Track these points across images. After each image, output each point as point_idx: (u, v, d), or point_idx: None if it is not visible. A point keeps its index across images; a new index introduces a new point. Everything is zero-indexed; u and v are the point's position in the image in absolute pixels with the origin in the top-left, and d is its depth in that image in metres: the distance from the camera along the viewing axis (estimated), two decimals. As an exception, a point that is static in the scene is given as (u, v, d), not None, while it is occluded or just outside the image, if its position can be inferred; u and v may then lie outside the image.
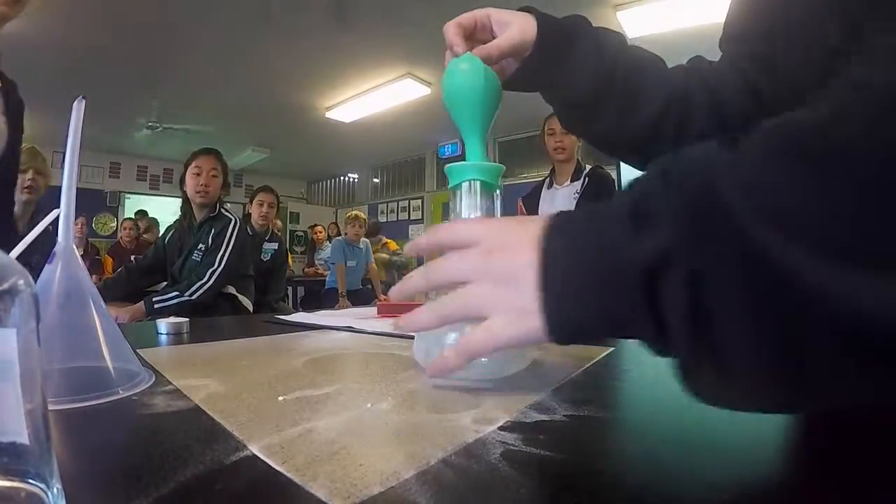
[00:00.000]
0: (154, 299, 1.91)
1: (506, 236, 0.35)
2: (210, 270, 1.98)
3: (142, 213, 5.78)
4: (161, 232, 4.28)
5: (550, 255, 0.31)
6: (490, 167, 0.48)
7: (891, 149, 0.19)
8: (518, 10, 0.56)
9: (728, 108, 0.56)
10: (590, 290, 0.29)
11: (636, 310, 0.26)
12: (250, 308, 2.23)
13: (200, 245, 2.05)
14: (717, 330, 0.23)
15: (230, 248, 2.03)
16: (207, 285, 1.97)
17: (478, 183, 0.48)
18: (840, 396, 0.23)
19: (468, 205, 0.47)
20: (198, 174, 2.05)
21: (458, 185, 0.48)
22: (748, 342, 0.23)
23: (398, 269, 4.98)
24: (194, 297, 1.95)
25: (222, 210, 2.14)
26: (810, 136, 0.22)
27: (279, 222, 5.46)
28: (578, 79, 0.56)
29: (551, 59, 0.56)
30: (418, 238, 0.40)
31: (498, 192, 0.49)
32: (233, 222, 2.09)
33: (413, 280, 0.39)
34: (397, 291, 0.40)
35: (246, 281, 2.24)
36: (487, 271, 0.34)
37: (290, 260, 4.01)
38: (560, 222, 0.32)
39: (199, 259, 2.03)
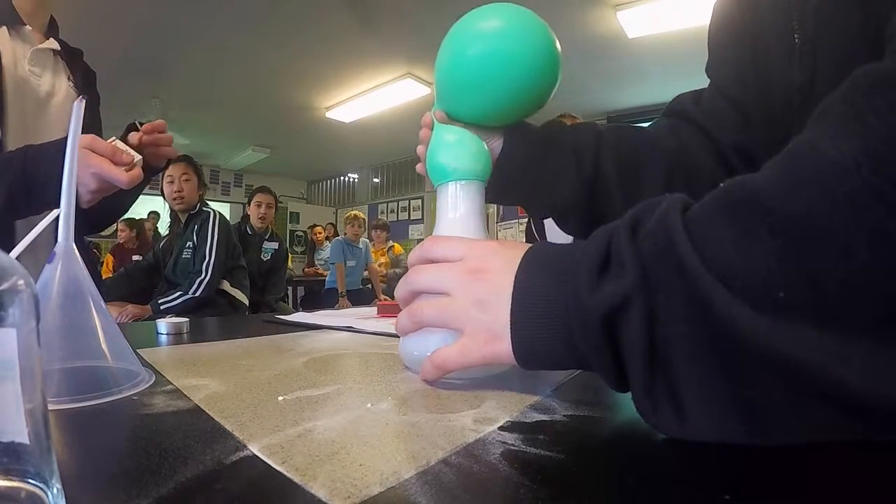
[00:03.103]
0: (159, 301, 2.01)
1: (487, 259, 0.37)
2: (204, 264, 2.08)
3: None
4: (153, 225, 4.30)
5: (524, 287, 0.33)
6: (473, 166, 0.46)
7: (821, 219, 0.21)
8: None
9: (727, 140, 0.55)
10: (556, 326, 0.31)
11: (597, 347, 0.28)
12: (245, 301, 2.29)
13: (188, 243, 2.14)
14: (670, 371, 0.25)
15: (216, 238, 2.12)
16: (207, 278, 2.06)
17: (460, 182, 0.46)
18: (792, 433, 0.24)
19: (453, 204, 0.47)
20: (171, 182, 2.15)
21: (444, 185, 0.47)
22: (698, 383, 0.25)
23: (393, 280, 4.95)
24: (198, 293, 2.04)
25: (202, 207, 2.23)
26: (754, 200, 0.23)
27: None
28: (560, 192, 0.56)
29: (523, 168, 0.56)
30: (411, 254, 0.43)
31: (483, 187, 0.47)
32: (212, 215, 2.19)
33: (398, 288, 0.43)
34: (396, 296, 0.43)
35: (238, 274, 2.30)
36: (466, 289, 0.37)
37: (290, 260, 4.02)
38: (537, 257, 0.35)
39: (189, 256, 2.13)
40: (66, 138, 0.69)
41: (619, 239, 0.29)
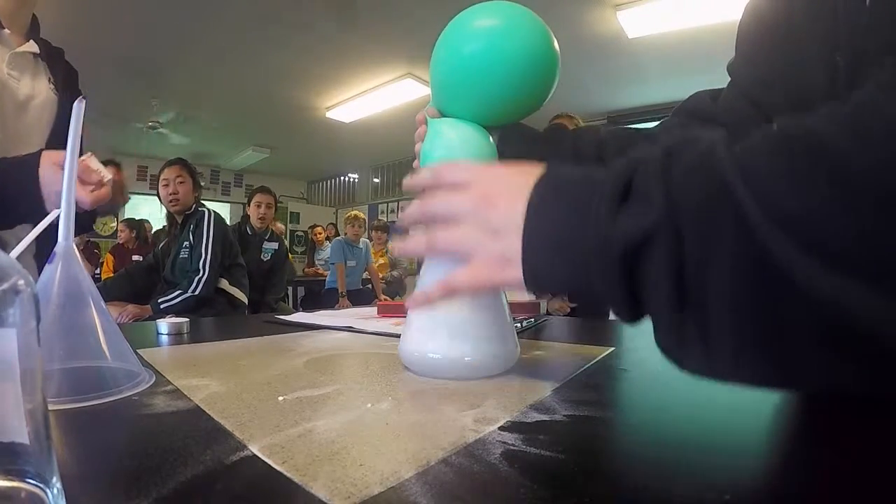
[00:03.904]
0: (159, 300, 2.04)
1: (497, 185, 0.37)
2: (201, 262, 2.09)
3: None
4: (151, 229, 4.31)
5: (537, 213, 0.33)
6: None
7: (888, 175, 0.20)
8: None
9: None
10: (570, 255, 0.30)
11: (614, 280, 0.28)
12: (245, 300, 2.31)
13: (185, 243, 2.16)
14: (704, 309, 0.24)
15: (212, 236, 2.15)
16: (205, 277, 2.08)
17: None
18: (819, 381, 0.24)
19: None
20: (166, 185, 2.18)
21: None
22: (734, 323, 0.24)
23: (392, 283, 4.87)
24: (197, 291, 2.06)
25: (198, 208, 2.25)
26: (817, 146, 0.22)
27: (281, 225, 5.45)
28: None
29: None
30: (421, 172, 0.42)
31: None
32: (207, 213, 2.21)
33: (410, 209, 0.42)
34: (401, 219, 0.43)
35: (237, 272, 2.32)
36: (477, 217, 0.36)
37: (290, 259, 4.01)
38: (552, 181, 0.34)
39: (186, 255, 2.14)
40: (39, 152, 0.68)
41: (646, 170, 0.28)
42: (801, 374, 0.23)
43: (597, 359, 0.52)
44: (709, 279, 0.24)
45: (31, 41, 0.93)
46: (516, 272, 0.33)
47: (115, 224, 6.38)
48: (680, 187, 0.26)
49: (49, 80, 0.96)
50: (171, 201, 2.18)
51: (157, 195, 2.25)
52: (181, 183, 2.19)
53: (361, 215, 4.36)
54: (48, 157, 0.68)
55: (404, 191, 0.43)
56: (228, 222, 2.46)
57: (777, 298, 0.22)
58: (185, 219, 2.21)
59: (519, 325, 0.76)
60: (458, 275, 0.38)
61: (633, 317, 0.29)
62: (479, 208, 0.36)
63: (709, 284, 0.24)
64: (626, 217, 0.27)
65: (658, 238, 0.25)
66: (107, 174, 0.68)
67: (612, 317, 2.33)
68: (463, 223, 0.37)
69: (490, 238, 0.35)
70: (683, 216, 0.25)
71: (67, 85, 0.99)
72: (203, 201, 2.34)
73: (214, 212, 2.26)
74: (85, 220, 0.90)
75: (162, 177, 2.20)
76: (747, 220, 0.23)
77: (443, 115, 0.48)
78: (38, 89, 0.93)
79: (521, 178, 0.35)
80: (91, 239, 5.53)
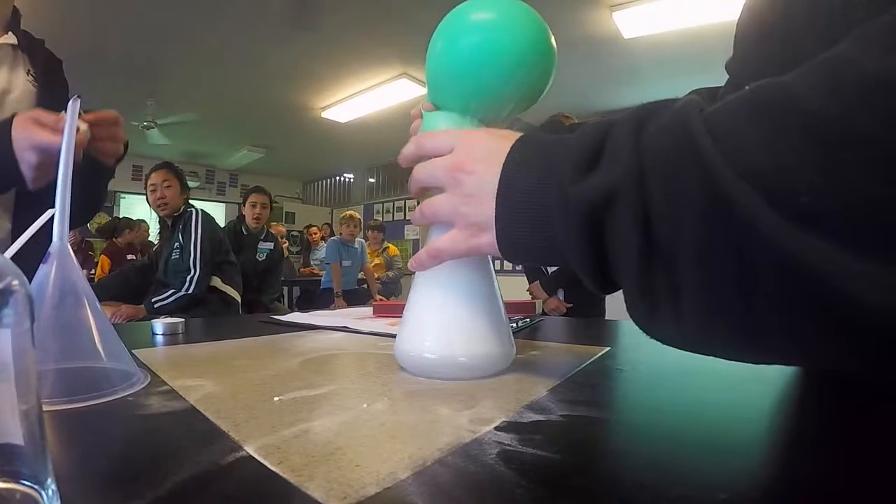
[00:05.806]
0: (153, 300, 2.06)
1: (474, 151, 0.38)
2: (192, 260, 2.12)
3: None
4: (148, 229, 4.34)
5: (509, 181, 0.33)
6: None
7: (861, 129, 0.19)
8: None
9: None
10: (539, 220, 0.31)
11: (578, 243, 0.28)
12: (238, 298, 2.32)
13: (176, 244, 2.19)
14: (675, 271, 0.24)
15: (199, 235, 2.18)
16: (197, 275, 2.11)
17: None
18: (790, 352, 0.23)
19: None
20: (154, 190, 2.22)
21: None
22: (704, 286, 0.23)
23: (388, 283, 4.84)
24: (190, 290, 2.09)
25: (186, 208, 2.29)
26: (789, 102, 0.22)
27: (282, 227, 5.43)
28: None
29: None
30: (406, 147, 0.44)
31: None
32: (194, 213, 2.24)
33: (412, 176, 0.43)
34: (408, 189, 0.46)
35: (229, 269, 2.33)
36: (455, 185, 0.38)
37: (287, 259, 4.00)
38: (527, 145, 0.35)
39: (178, 256, 2.17)
40: (12, 116, 0.66)
41: (617, 132, 0.27)
42: (770, 340, 0.23)
43: (593, 358, 0.52)
44: (674, 233, 0.24)
45: (10, 33, 0.90)
46: (490, 237, 0.35)
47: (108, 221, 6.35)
48: (648, 145, 0.26)
49: (28, 71, 0.92)
50: (159, 206, 2.21)
51: (147, 200, 2.27)
52: (168, 187, 2.21)
53: (357, 215, 4.35)
54: (20, 115, 0.66)
55: (402, 158, 0.45)
56: (224, 222, 2.48)
57: (743, 254, 0.22)
58: (174, 220, 2.24)
59: (514, 325, 0.77)
60: (438, 242, 0.39)
61: (603, 283, 0.29)
62: (457, 177, 0.37)
63: (675, 239, 0.24)
64: (591, 176, 0.27)
65: (622, 193, 0.25)
66: (82, 124, 0.67)
67: (608, 316, 2.32)
68: (445, 191, 0.39)
69: (466, 204, 0.36)
70: (648, 171, 0.25)
71: (48, 75, 0.96)
72: (199, 201, 2.35)
73: (202, 210, 2.28)
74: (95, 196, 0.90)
75: (149, 182, 2.23)
76: (712, 170, 0.22)
77: (438, 109, 0.49)
78: (15, 83, 0.90)
79: (499, 143, 0.36)
80: (87, 238, 5.50)
